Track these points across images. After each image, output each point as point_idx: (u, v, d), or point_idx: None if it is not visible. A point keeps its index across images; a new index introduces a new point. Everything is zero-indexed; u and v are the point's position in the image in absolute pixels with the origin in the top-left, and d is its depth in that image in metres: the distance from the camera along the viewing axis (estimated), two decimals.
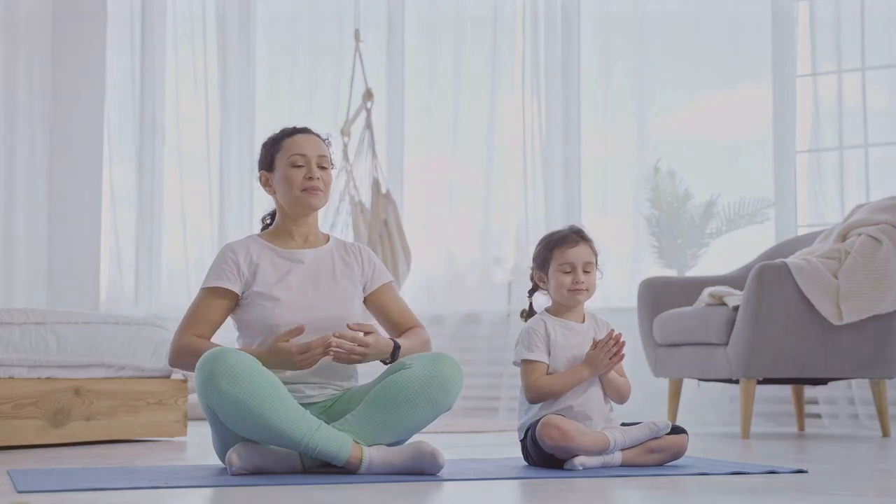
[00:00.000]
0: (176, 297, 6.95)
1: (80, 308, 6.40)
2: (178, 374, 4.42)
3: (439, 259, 6.60)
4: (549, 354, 3.08)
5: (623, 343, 3.04)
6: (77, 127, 6.90)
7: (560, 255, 3.11)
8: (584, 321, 3.15)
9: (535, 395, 3.06)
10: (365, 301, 3.11)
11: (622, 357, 3.05)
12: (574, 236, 3.13)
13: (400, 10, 6.72)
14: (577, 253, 3.10)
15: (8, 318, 3.90)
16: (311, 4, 6.89)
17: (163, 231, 7.04)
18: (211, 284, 2.99)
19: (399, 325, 3.12)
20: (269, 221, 3.17)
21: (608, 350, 3.03)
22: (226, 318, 3.02)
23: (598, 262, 3.15)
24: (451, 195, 6.54)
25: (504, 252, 6.45)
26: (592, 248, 3.14)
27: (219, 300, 2.99)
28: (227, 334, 6.47)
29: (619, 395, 3.13)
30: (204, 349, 2.84)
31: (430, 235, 6.56)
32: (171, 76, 7.03)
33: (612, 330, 3.10)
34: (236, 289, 2.99)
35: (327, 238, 3.13)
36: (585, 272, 3.11)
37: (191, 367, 2.89)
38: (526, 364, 3.08)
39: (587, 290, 3.11)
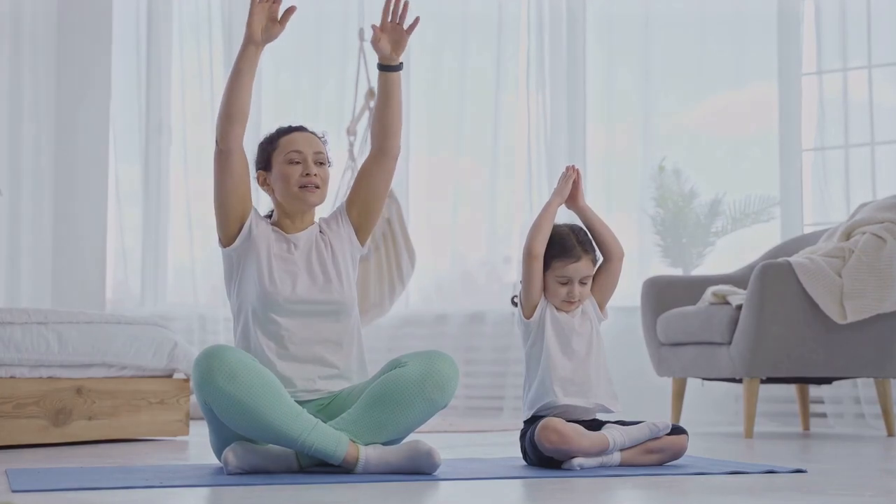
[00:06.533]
0: (182, 297, 6.94)
1: (86, 308, 6.40)
2: (179, 374, 4.42)
3: (445, 258, 6.59)
4: (545, 326, 3.11)
5: (576, 167, 3.24)
6: (83, 126, 6.90)
7: (561, 266, 3.14)
8: None
9: (527, 239, 3.16)
10: (356, 208, 3.10)
11: (579, 174, 3.22)
12: (578, 250, 3.15)
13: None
14: (576, 268, 3.14)
15: (10, 318, 3.90)
16: (316, 4, 6.88)
17: (169, 230, 7.03)
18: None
19: (372, 157, 3.11)
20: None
21: (566, 175, 3.21)
22: (234, 181, 3.19)
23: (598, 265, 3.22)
24: (456, 194, 6.52)
25: (509, 251, 6.43)
26: (593, 259, 3.18)
27: (247, 185, 3.12)
28: (227, 335, 6.44)
29: (608, 236, 3.19)
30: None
31: (436, 234, 6.54)
32: (176, 75, 7.03)
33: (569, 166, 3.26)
34: (244, 217, 3.10)
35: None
36: (582, 283, 3.15)
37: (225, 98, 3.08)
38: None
39: (579, 301, 3.16)
